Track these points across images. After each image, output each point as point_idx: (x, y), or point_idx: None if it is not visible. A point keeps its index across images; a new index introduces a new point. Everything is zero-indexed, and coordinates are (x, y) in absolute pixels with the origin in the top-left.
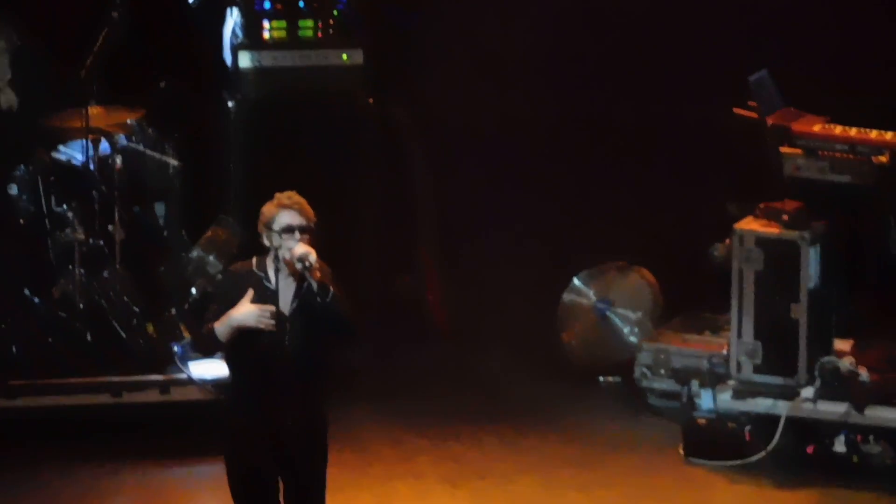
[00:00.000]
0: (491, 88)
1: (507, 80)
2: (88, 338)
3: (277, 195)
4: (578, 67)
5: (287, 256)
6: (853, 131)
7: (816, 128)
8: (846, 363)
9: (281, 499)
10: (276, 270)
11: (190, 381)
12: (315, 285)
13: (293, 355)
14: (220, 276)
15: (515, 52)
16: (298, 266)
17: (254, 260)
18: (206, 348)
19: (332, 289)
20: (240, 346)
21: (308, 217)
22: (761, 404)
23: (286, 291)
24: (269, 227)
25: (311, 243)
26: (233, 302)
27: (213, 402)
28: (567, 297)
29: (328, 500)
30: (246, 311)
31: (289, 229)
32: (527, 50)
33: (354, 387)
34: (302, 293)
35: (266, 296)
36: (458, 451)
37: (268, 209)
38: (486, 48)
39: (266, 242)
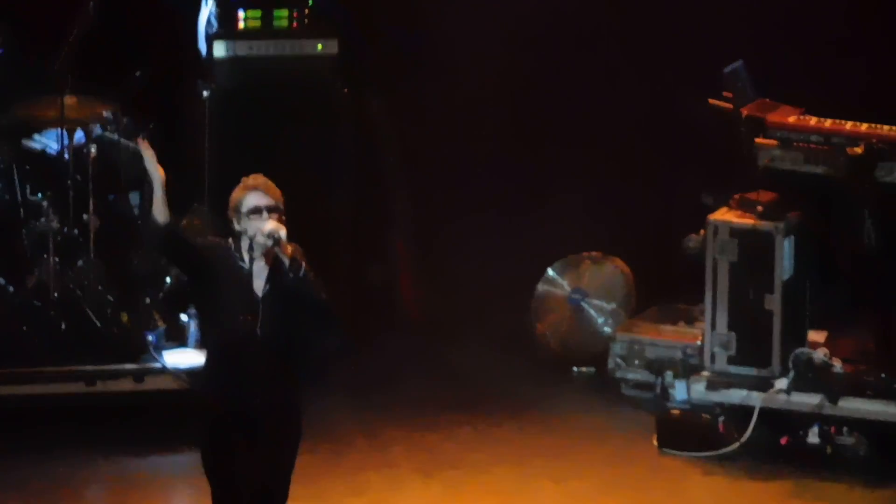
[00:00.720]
0: (467, 79)
1: (483, 71)
2: (62, 327)
3: (243, 179)
4: (555, 60)
5: (259, 238)
6: (828, 123)
7: (791, 119)
8: (820, 354)
9: None
10: (250, 254)
11: (164, 370)
12: (286, 261)
13: (265, 339)
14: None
15: (492, 42)
16: (269, 242)
17: (230, 240)
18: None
19: (304, 265)
20: (213, 329)
21: (275, 196)
22: (735, 395)
23: (259, 275)
24: (237, 210)
25: (281, 222)
26: (210, 263)
27: (188, 391)
28: (541, 287)
29: (301, 491)
30: None
31: (256, 210)
32: (504, 41)
33: (328, 376)
34: (275, 276)
35: (239, 276)
36: (432, 441)
37: (235, 193)
38: (461, 39)
39: (237, 227)
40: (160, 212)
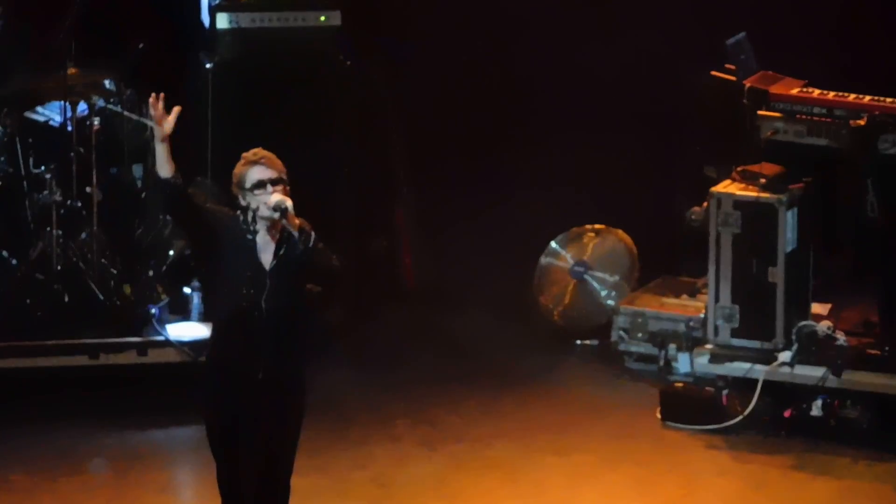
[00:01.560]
0: (468, 51)
1: (484, 43)
2: (66, 299)
3: (244, 154)
4: (557, 31)
5: (265, 212)
6: (830, 95)
7: (794, 91)
8: (823, 327)
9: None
10: (255, 227)
11: (167, 343)
12: (295, 233)
13: (270, 311)
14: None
15: (493, 15)
16: (276, 215)
17: (238, 212)
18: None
19: (313, 234)
20: (219, 301)
21: (278, 169)
22: (738, 368)
23: (265, 248)
24: (241, 186)
25: (286, 193)
26: (219, 231)
27: (191, 364)
28: (544, 260)
29: (305, 464)
30: None
31: (260, 184)
32: (504, 13)
33: (331, 348)
34: (281, 249)
35: (246, 248)
36: (436, 415)
37: (237, 169)
38: (463, 11)
39: (242, 202)
40: (162, 166)
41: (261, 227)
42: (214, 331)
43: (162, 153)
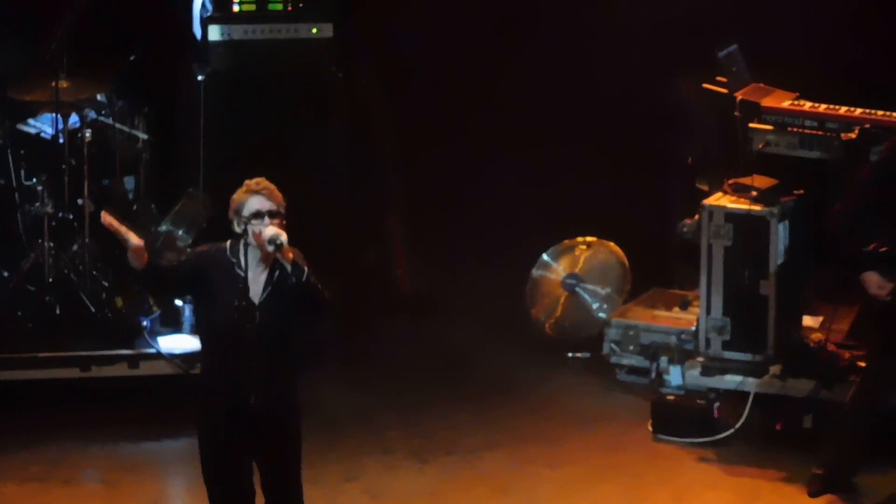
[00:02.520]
0: (460, 62)
1: (476, 54)
2: (57, 311)
3: (246, 182)
4: (548, 40)
5: (257, 241)
6: (822, 107)
7: (786, 104)
8: (815, 339)
9: (258, 485)
10: (247, 257)
11: (158, 355)
12: (288, 266)
13: (261, 341)
14: (193, 249)
15: (484, 25)
16: (270, 248)
17: (227, 243)
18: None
19: (306, 269)
20: (209, 331)
21: (277, 201)
22: (730, 381)
23: (257, 280)
24: (238, 213)
25: (282, 227)
26: (203, 272)
27: (182, 376)
28: (536, 272)
29: None
30: None
31: (258, 214)
32: (495, 22)
33: (322, 360)
34: (273, 280)
35: (236, 282)
36: (427, 426)
37: (237, 196)
38: (454, 22)
39: (237, 229)
40: (132, 262)
41: (252, 256)
42: (205, 360)
43: (132, 257)
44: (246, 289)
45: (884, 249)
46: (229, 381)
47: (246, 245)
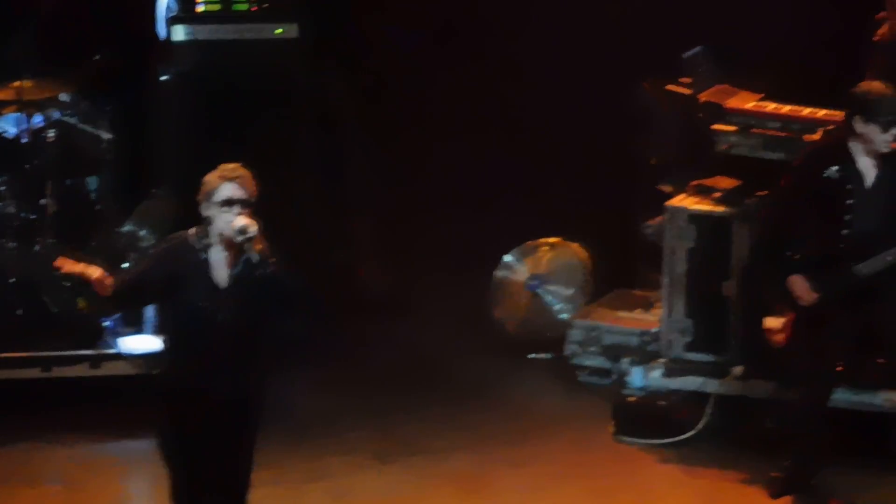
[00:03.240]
0: (426, 61)
1: (444, 55)
2: (19, 312)
3: (221, 166)
4: (512, 41)
5: (227, 231)
6: (786, 109)
7: (749, 105)
8: (777, 341)
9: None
10: (212, 243)
11: (120, 356)
12: (256, 257)
13: (226, 327)
14: (154, 251)
15: (450, 24)
16: (239, 238)
17: (191, 231)
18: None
19: (272, 259)
20: (174, 318)
21: (250, 191)
22: (692, 382)
23: (221, 266)
24: (209, 198)
25: (251, 217)
26: (167, 272)
27: (144, 376)
28: (499, 273)
29: (260, 475)
30: None
31: (228, 202)
32: (459, 22)
33: (289, 360)
34: (239, 267)
35: (199, 269)
36: (391, 427)
37: (210, 179)
38: (420, 21)
39: (205, 213)
40: (99, 293)
41: (216, 242)
42: (170, 348)
43: (96, 288)
44: (209, 273)
45: (796, 257)
46: (197, 368)
47: (214, 229)
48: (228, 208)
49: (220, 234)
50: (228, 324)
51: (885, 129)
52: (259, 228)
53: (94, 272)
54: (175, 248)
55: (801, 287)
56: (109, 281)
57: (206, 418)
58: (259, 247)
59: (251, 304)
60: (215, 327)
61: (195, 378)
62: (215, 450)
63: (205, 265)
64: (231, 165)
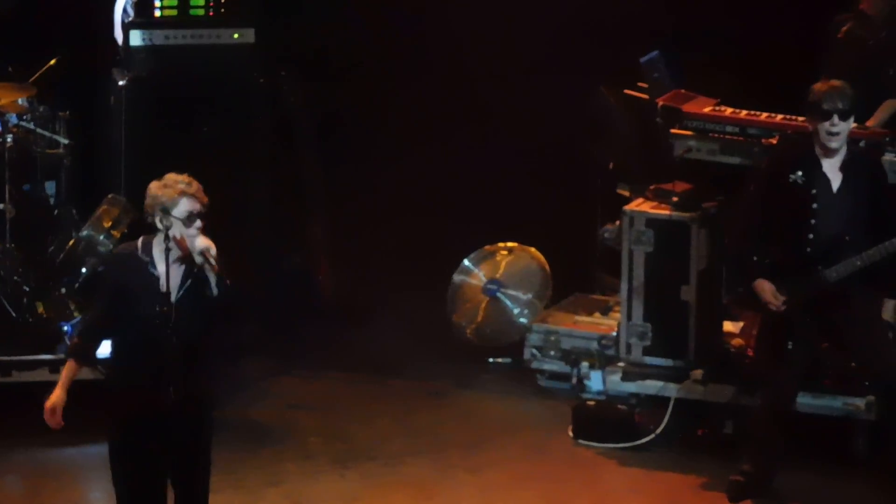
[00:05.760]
0: (382, 68)
1: (397, 60)
2: None
3: (172, 178)
4: (469, 46)
5: (181, 245)
6: (743, 113)
7: (707, 109)
8: (735, 345)
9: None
10: (165, 255)
11: None
12: (214, 279)
13: (177, 338)
14: (101, 278)
15: (405, 30)
16: (199, 259)
17: (139, 242)
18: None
19: (228, 282)
20: (125, 331)
21: (204, 202)
22: (651, 386)
23: (174, 277)
24: (165, 211)
25: (205, 226)
26: (119, 288)
27: (103, 381)
28: (457, 277)
29: (218, 480)
30: None
31: (191, 217)
32: (416, 29)
33: (243, 366)
34: (190, 280)
35: (150, 282)
36: (348, 432)
37: (165, 193)
38: (377, 28)
39: (159, 225)
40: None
41: (171, 254)
42: (119, 360)
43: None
44: (158, 286)
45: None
46: (147, 378)
47: (166, 243)
48: (190, 223)
49: (174, 246)
50: (178, 334)
51: (823, 119)
52: (216, 251)
53: (58, 394)
54: (124, 264)
55: (767, 291)
56: (75, 353)
57: (159, 427)
58: (217, 269)
59: (200, 314)
60: (165, 338)
61: (148, 388)
62: (171, 458)
63: (154, 279)
64: (181, 177)
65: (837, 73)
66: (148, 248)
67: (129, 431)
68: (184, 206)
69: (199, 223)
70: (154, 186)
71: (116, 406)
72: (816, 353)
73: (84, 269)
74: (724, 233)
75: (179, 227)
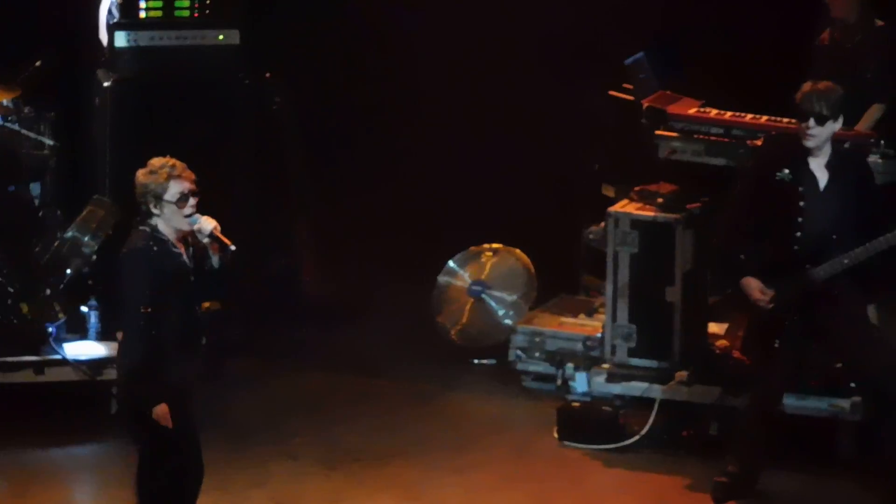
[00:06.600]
0: (366, 68)
1: (386, 58)
2: None
3: (157, 163)
4: (455, 48)
5: (184, 227)
6: (728, 115)
7: (692, 111)
8: (720, 346)
9: None
10: (183, 243)
11: (64, 362)
12: (216, 260)
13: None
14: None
15: (389, 32)
16: (206, 241)
17: (146, 230)
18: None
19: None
20: (168, 318)
21: (192, 179)
22: (636, 387)
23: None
24: (157, 197)
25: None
26: (160, 277)
27: (88, 383)
28: (442, 279)
29: (203, 481)
30: None
31: (183, 197)
32: (401, 29)
33: (229, 366)
34: (192, 259)
35: (183, 272)
36: (334, 433)
37: (152, 179)
38: (361, 29)
39: (154, 211)
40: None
41: (173, 238)
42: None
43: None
44: (189, 264)
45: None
46: (187, 360)
47: (162, 228)
48: (184, 203)
49: (177, 231)
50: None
51: (801, 121)
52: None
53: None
54: (162, 255)
55: (755, 290)
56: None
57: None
58: (229, 242)
59: (200, 286)
60: (196, 319)
61: (186, 370)
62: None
63: (179, 256)
64: (164, 160)
65: (817, 78)
66: (156, 230)
67: (180, 419)
68: (174, 189)
69: (192, 201)
70: (141, 174)
71: (171, 399)
72: (804, 352)
73: (69, 271)
74: (711, 232)
75: (173, 210)
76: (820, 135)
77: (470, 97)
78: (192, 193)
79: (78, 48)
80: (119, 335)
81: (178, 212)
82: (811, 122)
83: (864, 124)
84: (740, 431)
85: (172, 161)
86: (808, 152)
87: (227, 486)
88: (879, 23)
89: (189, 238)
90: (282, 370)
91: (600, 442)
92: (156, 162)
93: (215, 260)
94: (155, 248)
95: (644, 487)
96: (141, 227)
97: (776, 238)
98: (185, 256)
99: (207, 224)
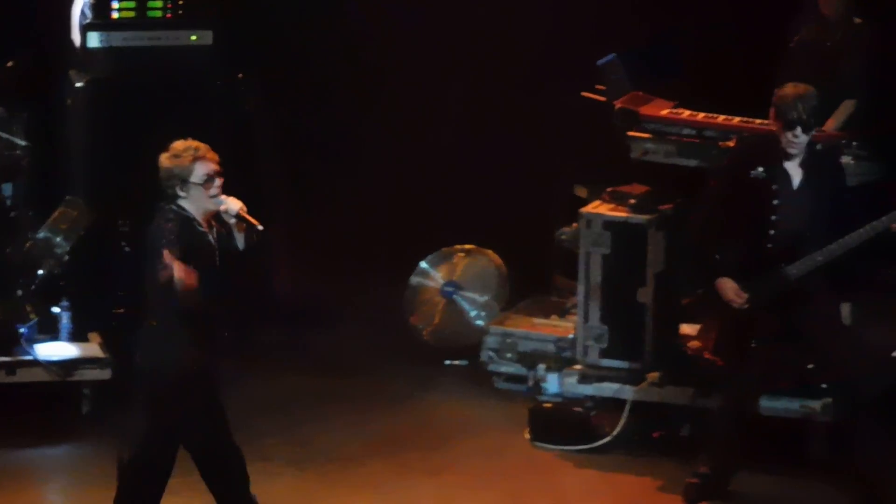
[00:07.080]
0: (342, 70)
1: (358, 61)
2: None
3: (180, 146)
4: (430, 50)
5: (211, 207)
6: (700, 116)
7: (664, 112)
8: (692, 347)
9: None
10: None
11: (36, 363)
12: (241, 240)
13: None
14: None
15: (366, 33)
16: (233, 221)
17: (172, 210)
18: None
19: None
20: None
21: (216, 160)
22: (607, 388)
23: (211, 234)
24: (184, 180)
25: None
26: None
27: (59, 384)
28: (414, 280)
29: (177, 482)
30: None
31: (209, 178)
32: (377, 31)
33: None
34: (222, 240)
35: (209, 251)
36: (306, 434)
37: (177, 163)
38: (338, 30)
39: (181, 194)
40: None
41: (202, 220)
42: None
43: None
44: (213, 244)
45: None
46: (206, 343)
47: (189, 208)
48: (210, 185)
49: (205, 212)
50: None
51: (786, 129)
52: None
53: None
54: (185, 233)
55: (730, 289)
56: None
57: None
58: (256, 222)
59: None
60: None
61: (204, 359)
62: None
63: (212, 248)
64: (187, 143)
65: (794, 79)
66: (182, 209)
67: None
68: (200, 171)
69: (217, 182)
70: (165, 159)
71: (189, 384)
72: (778, 351)
73: (41, 271)
74: (685, 232)
75: (199, 191)
76: (805, 141)
77: (442, 100)
78: (218, 174)
79: (50, 49)
80: (92, 336)
81: (204, 193)
82: (798, 129)
83: (836, 120)
84: (712, 432)
85: (196, 143)
86: (784, 153)
87: (199, 486)
88: (857, 20)
89: (213, 221)
90: (254, 371)
91: (572, 443)
92: (179, 145)
93: (241, 240)
94: (182, 224)
95: (616, 488)
96: (167, 206)
97: (750, 236)
98: (210, 236)
99: (234, 204)
